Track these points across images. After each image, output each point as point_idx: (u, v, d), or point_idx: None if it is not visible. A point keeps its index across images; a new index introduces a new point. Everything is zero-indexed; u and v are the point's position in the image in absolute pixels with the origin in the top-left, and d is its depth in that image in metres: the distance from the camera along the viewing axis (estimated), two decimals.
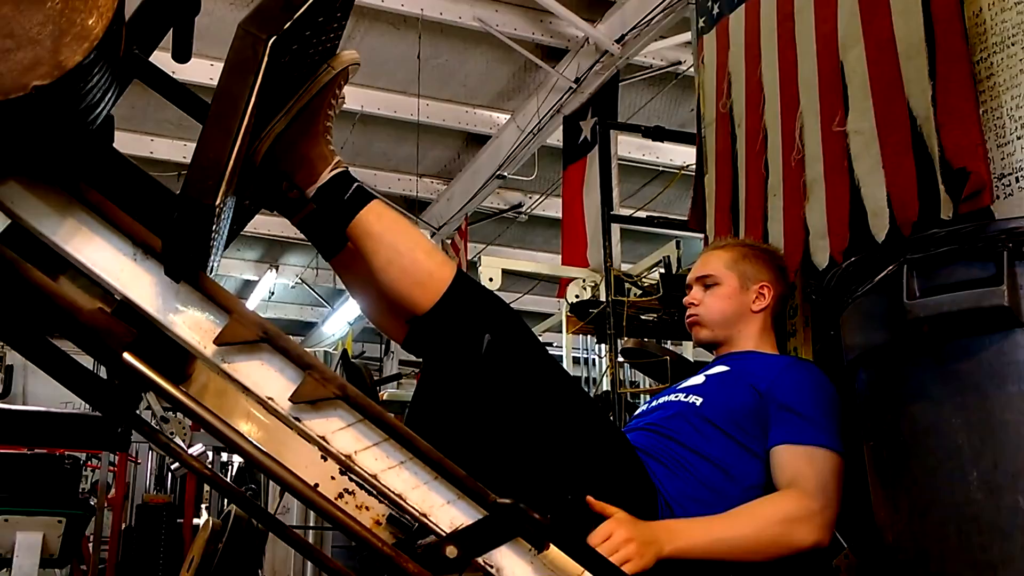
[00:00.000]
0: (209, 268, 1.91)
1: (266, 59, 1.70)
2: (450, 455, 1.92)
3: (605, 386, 6.61)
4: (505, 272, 7.69)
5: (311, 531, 6.50)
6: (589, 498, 2.25)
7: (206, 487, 10.63)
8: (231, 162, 1.70)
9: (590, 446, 2.37)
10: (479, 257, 8.84)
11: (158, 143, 10.36)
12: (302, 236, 2.51)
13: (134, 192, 1.93)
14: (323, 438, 1.89)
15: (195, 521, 9.71)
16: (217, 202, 1.69)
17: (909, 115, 2.57)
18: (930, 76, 2.51)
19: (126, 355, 1.82)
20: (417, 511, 1.91)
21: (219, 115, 1.70)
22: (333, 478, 2.04)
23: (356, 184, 2.27)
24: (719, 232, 3.50)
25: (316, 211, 2.36)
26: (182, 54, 2.04)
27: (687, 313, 2.95)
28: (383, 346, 14.29)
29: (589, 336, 7.59)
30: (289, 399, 1.87)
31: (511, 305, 2.41)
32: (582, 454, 2.34)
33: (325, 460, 1.99)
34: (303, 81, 2.18)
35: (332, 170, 2.25)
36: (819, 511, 2.42)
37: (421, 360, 2.51)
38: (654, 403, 2.82)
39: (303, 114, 2.19)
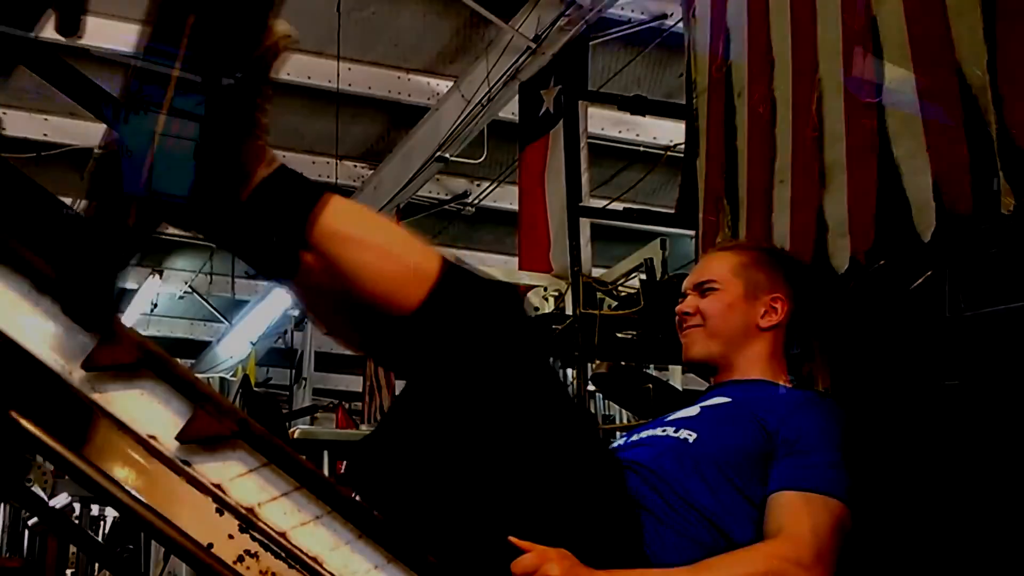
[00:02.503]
0: None
1: None
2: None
3: None
4: None
5: None
6: (512, 538, 2.25)
7: (72, 547, 10.54)
8: None
9: (579, 485, 2.37)
10: None
11: (12, 116, 10.24)
12: (192, 234, 2.49)
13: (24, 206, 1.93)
14: (219, 487, 1.88)
15: None
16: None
17: (960, 84, 2.57)
18: (986, 36, 2.51)
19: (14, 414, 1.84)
20: None
21: None
22: (231, 537, 1.99)
23: (300, 177, 2.30)
24: (709, 228, 3.50)
25: (251, 222, 2.34)
26: (69, 26, 2.01)
27: (678, 322, 2.92)
28: (293, 372, 14.24)
29: (552, 358, 7.58)
30: (176, 438, 1.86)
31: None
32: (567, 490, 2.34)
33: (221, 514, 1.96)
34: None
35: (269, 166, 2.26)
36: (810, 565, 2.40)
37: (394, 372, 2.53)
38: (634, 438, 2.79)
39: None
